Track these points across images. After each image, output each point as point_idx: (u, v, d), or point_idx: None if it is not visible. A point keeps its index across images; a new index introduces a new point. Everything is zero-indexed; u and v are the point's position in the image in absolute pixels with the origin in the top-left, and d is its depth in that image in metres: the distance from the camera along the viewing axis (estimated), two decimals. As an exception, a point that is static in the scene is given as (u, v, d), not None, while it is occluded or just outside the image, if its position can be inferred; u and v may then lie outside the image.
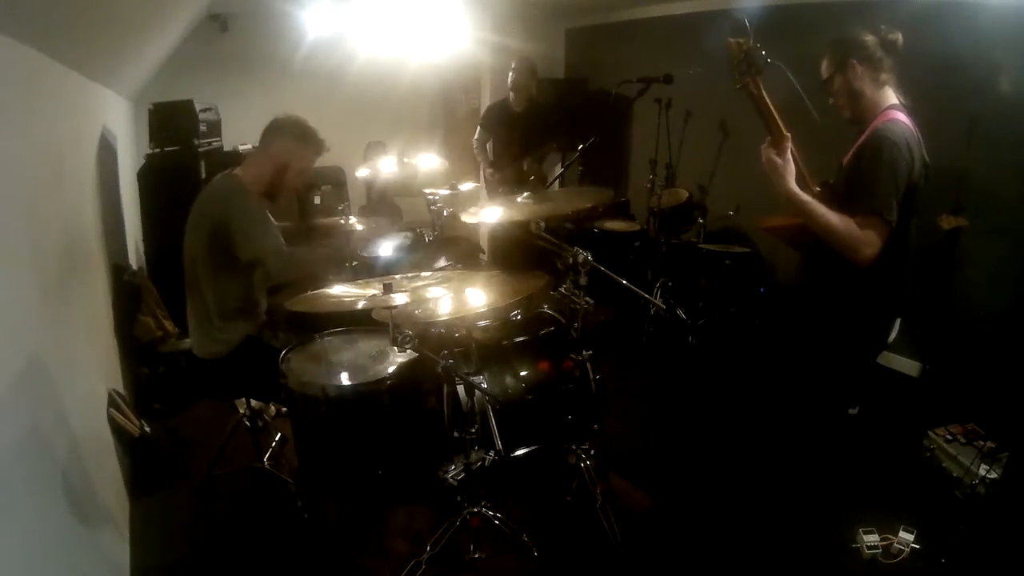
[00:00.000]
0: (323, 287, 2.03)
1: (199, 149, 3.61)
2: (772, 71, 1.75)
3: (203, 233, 2.06)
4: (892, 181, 1.70)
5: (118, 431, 2.34)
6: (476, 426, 2.05)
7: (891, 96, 1.83)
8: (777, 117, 1.76)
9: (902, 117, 1.78)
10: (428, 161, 3.44)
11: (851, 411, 2.28)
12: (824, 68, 1.88)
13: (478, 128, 4.43)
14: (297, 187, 2.30)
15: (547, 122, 4.23)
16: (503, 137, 4.32)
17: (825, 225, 1.74)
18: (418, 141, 6.23)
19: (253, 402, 2.37)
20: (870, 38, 1.80)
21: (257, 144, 2.22)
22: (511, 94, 4.22)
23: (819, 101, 1.95)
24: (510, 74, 4.15)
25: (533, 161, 4.13)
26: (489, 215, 2.39)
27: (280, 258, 2.14)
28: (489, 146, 4.51)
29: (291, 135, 2.18)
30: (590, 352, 2.27)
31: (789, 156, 1.78)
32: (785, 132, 1.76)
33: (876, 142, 1.73)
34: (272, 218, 2.28)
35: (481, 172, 4.40)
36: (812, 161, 1.88)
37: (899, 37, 1.80)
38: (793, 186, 1.77)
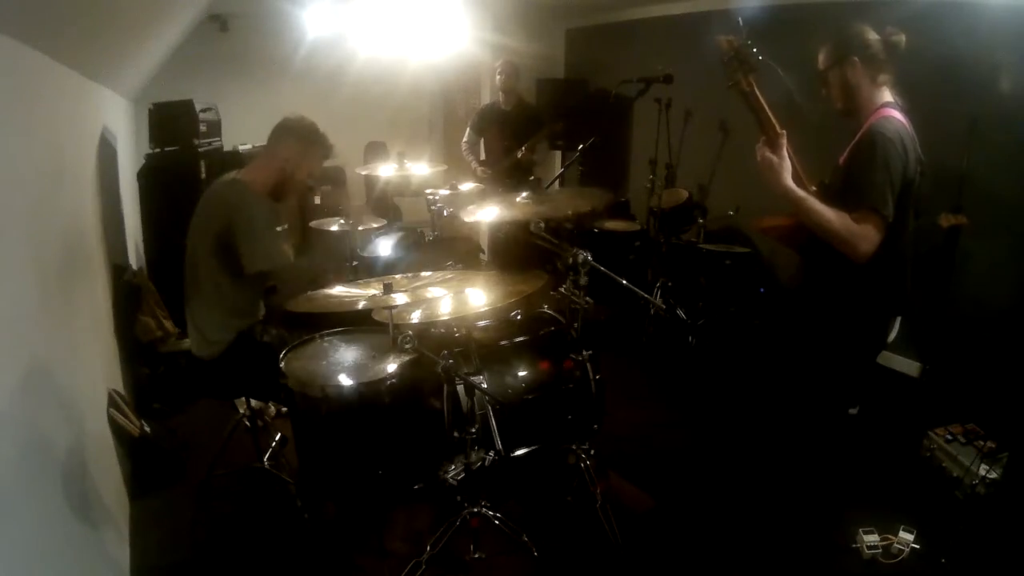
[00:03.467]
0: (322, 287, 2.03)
1: (199, 149, 3.62)
2: (766, 71, 1.75)
3: (208, 239, 2.05)
4: (887, 176, 1.71)
5: (118, 431, 2.34)
6: (476, 426, 2.05)
7: (887, 95, 1.83)
8: (770, 115, 1.76)
9: (896, 114, 1.78)
10: (423, 169, 3.46)
11: (851, 411, 2.28)
12: (822, 59, 1.88)
13: (467, 131, 4.54)
14: (303, 189, 2.29)
15: (536, 118, 4.39)
16: (495, 135, 4.43)
17: (822, 221, 1.74)
18: (418, 141, 6.24)
19: (253, 402, 2.37)
20: (874, 37, 1.80)
21: (262, 144, 2.21)
22: (500, 95, 4.39)
23: (813, 100, 1.96)
24: (497, 77, 4.33)
25: (527, 151, 4.23)
26: (488, 213, 2.39)
27: (286, 273, 2.15)
28: (481, 147, 4.61)
29: (298, 138, 2.17)
30: (590, 352, 2.27)
31: (784, 154, 1.78)
32: (779, 130, 1.77)
33: (869, 138, 1.74)
34: (279, 219, 2.26)
35: (472, 170, 4.46)
36: (808, 162, 1.88)
37: (903, 39, 1.79)
38: (789, 183, 1.77)
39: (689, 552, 2.20)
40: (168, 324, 3.16)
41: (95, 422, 2.17)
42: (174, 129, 3.58)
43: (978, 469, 2.32)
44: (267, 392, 2.25)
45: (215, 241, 2.04)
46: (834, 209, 1.74)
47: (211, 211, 2.08)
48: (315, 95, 4.97)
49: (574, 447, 2.32)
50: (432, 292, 1.97)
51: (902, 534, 2.13)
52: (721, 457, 2.70)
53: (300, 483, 2.29)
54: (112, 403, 2.35)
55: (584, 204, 2.56)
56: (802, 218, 1.79)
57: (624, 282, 2.24)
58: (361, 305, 1.91)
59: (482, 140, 4.57)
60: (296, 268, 2.20)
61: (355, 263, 2.95)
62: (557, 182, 4.05)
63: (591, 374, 2.24)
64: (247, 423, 2.37)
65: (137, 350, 3.05)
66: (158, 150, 3.58)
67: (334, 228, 3.12)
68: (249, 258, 2.03)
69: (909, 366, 3.46)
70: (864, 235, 1.71)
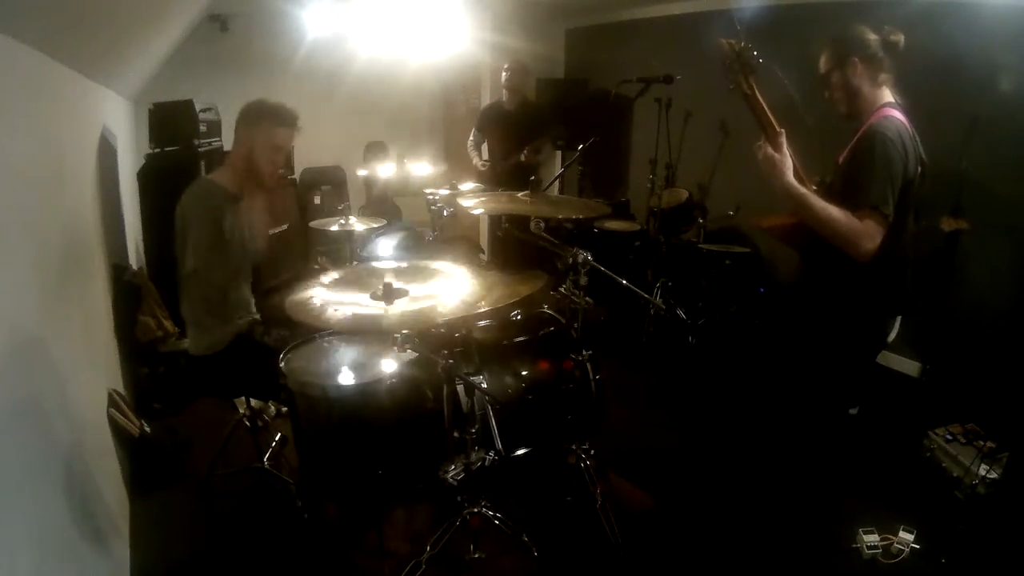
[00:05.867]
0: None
1: (199, 149, 3.61)
2: (766, 71, 1.76)
3: (180, 240, 2.06)
4: (887, 175, 1.71)
5: (118, 431, 2.34)
6: (476, 426, 2.05)
7: (888, 95, 1.84)
8: (770, 115, 1.77)
9: (897, 114, 1.78)
10: (423, 169, 3.45)
11: (851, 411, 2.28)
12: (823, 63, 1.89)
13: (473, 131, 4.53)
14: (277, 166, 2.23)
15: (540, 118, 4.37)
16: (498, 135, 4.41)
17: (824, 218, 1.74)
18: (418, 141, 6.24)
19: (253, 402, 2.37)
20: (872, 37, 1.81)
21: None
22: (504, 94, 4.36)
23: (812, 101, 1.97)
24: (503, 75, 4.29)
25: (530, 151, 4.21)
26: (486, 205, 2.40)
27: (197, 280, 2.05)
28: (485, 147, 4.59)
29: (243, 120, 2.15)
30: (590, 352, 2.27)
31: (785, 151, 1.78)
32: (779, 128, 1.77)
33: (869, 137, 1.74)
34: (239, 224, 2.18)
35: (475, 165, 4.48)
36: (809, 161, 1.88)
37: (901, 39, 1.80)
38: (791, 180, 1.78)
39: (689, 552, 2.20)
40: (168, 324, 3.16)
41: (95, 422, 2.17)
42: (174, 129, 3.58)
43: (978, 469, 2.32)
44: (267, 392, 2.24)
45: (179, 237, 2.04)
46: (836, 207, 1.74)
47: (180, 206, 2.07)
48: (315, 95, 4.96)
49: (574, 447, 2.32)
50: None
51: (902, 534, 2.13)
52: (721, 457, 2.70)
53: (300, 483, 2.29)
54: (112, 403, 2.35)
55: (582, 212, 2.55)
56: (804, 216, 1.80)
57: (624, 282, 2.24)
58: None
59: (485, 141, 4.56)
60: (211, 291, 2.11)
61: (355, 263, 2.95)
62: (557, 182, 4.05)
63: (591, 374, 2.24)
64: (247, 423, 2.37)
65: (137, 350, 3.05)
66: (158, 150, 3.58)
67: (334, 228, 3.12)
68: (186, 257, 2.00)
69: (909, 366, 3.46)
70: (866, 233, 1.71)
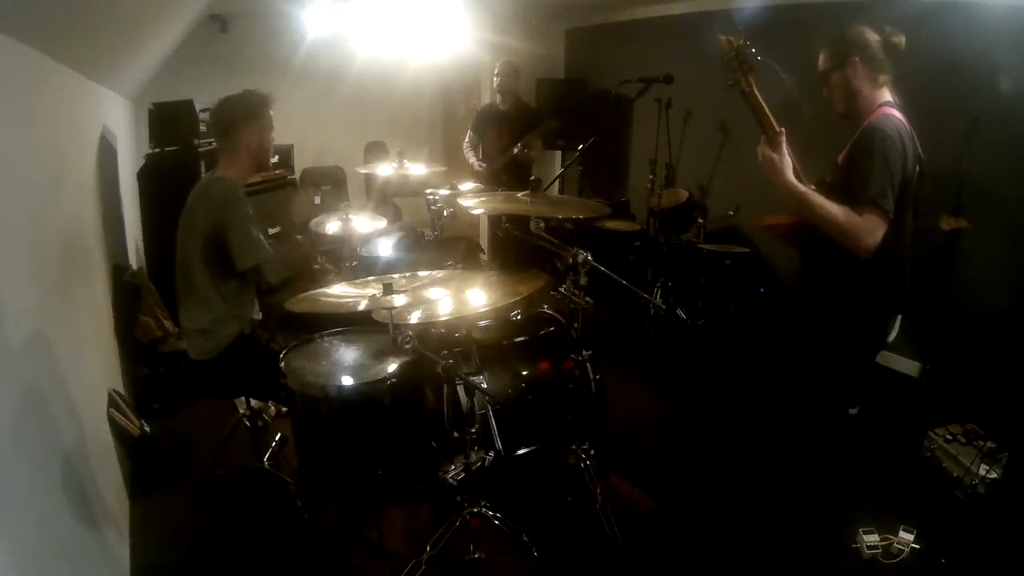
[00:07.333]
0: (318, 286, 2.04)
1: (199, 149, 3.61)
2: (765, 70, 1.76)
3: (198, 239, 2.05)
4: (886, 172, 1.71)
5: (118, 431, 2.34)
6: (476, 426, 2.05)
7: (887, 95, 1.84)
8: (769, 114, 1.77)
9: (896, 113, 1.79)
10: (422, 169, 3.45)
11: (851, 411, 2.28)
12: (823, 61, 1.89)
13: (469, 132, 4.54)
14: (271, 150, 2.29)
15: (534, 118, 4.36)
16: (493, 135, 4.42)
17: (824, 215, 1.74)
18: (418, 141, 6.24)
19: (253, 402, 2.37)
20: (874, 38, 1.81)
21: (218, 141, 2.21)
22: (498, 96, 4.37)
23: (813, 101, 1.97)
24: (494, 78, 4.31)
25: (522, 148, 4.20)
26: (486, 205, 2.40)
27: (272, 267, 2.15)
28: (480, 149, 4.61)
29: (245, 118, 2.15)
30: (590, 352, 2.27)
31: (785, 151, 1.79)
32: (779, 128, 1.77)
33: (868, 135, 1.75)
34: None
35: (471, 166, 4.48)
36: (809, 161, 1.88)
37: (903, 39, 1.80)
38: (791, 178, 1.78)
39: (689, 552, 2.20)
40: (168, 324, 3.16)
41: (95, 422, 2.17)
42: (174, 129, 3.58)
43: (978, 469, 2.32)
44: (267, 392, 2.25)
45: (207, 242, 2.04)
46: (836, 204, 1.74)
47: (200, 210, 2.07)
48: (315, 95, 4.98)
49: (574, 447, 2.32)
50: (432, 292, 1.97)
51: (902, 534, 2.13)
52: (721, 457, 2.70)
53: (300, 483, 2.29)
54: (112, 403, 2.36)
55: (583, 212, 2.55)
56: (805, 213, 1.80)
57: (624, 282, 2.23)
58: (362, 306, 1.91)
59: (480, 142, 4.57)
60: (279, 260, 2.21)
61: (355, 263, 2.95)
62: (557, 183, 4.05)
63: (591, 374, 2.24)
64: (247, 423, 2.37)
65: (137, 350, 3.05)
66: (158, 150, 3.58)
67: (332, 231, 3.11)
68: (241, 256, 2.03)
69: (909, 366, 3.46)
70: (867, 229, 1.71)
